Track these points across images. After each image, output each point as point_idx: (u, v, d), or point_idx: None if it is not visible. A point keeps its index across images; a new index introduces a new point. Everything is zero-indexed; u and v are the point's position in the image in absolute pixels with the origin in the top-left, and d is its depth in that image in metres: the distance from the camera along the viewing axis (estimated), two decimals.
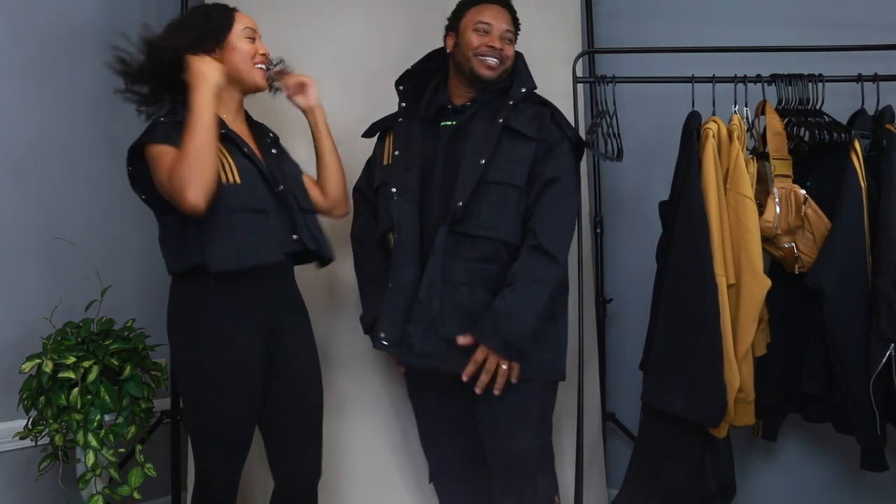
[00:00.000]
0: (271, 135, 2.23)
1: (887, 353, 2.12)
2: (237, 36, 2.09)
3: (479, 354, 2.07)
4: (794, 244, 2.26)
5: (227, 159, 1.98)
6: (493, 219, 2.12)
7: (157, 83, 2.08)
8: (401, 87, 2.33)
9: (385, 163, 2.29)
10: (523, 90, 2.22)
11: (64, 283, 2.54)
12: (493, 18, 2.22)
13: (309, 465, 2.13)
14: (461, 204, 2.10)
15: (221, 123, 2.02)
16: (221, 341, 1.97)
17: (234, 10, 2.13)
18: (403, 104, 2.32)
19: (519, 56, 2.29)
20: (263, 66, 2.13)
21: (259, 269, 1.98)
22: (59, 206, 2.65)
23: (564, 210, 2.16)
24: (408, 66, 2.34)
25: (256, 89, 2.14)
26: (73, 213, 2.68)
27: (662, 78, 2.45)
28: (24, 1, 2.60)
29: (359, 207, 2.39)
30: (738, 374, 2.17)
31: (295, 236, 2.07)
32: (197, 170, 1.86)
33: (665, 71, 2.47)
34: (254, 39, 2.11)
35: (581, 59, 2.51)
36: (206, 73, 1.96)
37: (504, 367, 2.07)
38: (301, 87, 2.22)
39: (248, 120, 2.21)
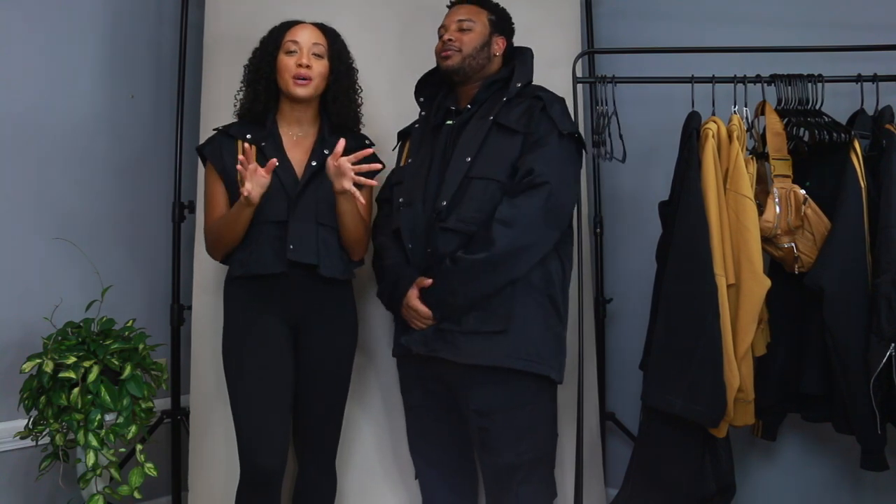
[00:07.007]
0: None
1: (887, 353, 2.12)
2: (281, 52, 2.19)
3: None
4: (793, 244, 2.26)
5: None
6: (473, 212, 2.12)
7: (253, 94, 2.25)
8: (421, 99, 2.36)
9: (402, 164, 2.34)
10: (518, 84, 2.23)
11: (64, 283, 2.54)
12: (449, 17, 2.28)
13: (326, 449, 2.27)
14: (445, 203, 2.13)
15: (269, 135, 2.20)
16: (240, 336, 2.16)
17: (291, 24, 2.22)
18: (423, 113, 2.36)
19: (525, 51, 2.30)
20: (302, 80, 2.16)
21: (278, 274, 2.12)
22: (59, 206, 2.65)
23: (528, 205, 2.08)
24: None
25: (299, 100, 2.20)
26: (74, 213, 2.68)
27: (662, 78, 2.46)
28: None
29: (381, 202, 2.39)
30: (738, 374, 2.17)
31: (291, 247, 2.11)
32: (217, 246, 2.19)
33: (665, 71, 2.47)
34: (293, 52, 2.18)
35: (581, 60, 2.51)
36: (250, 195, 2.03)
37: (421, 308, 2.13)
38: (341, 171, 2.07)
39: (327, 127, 2.25)
